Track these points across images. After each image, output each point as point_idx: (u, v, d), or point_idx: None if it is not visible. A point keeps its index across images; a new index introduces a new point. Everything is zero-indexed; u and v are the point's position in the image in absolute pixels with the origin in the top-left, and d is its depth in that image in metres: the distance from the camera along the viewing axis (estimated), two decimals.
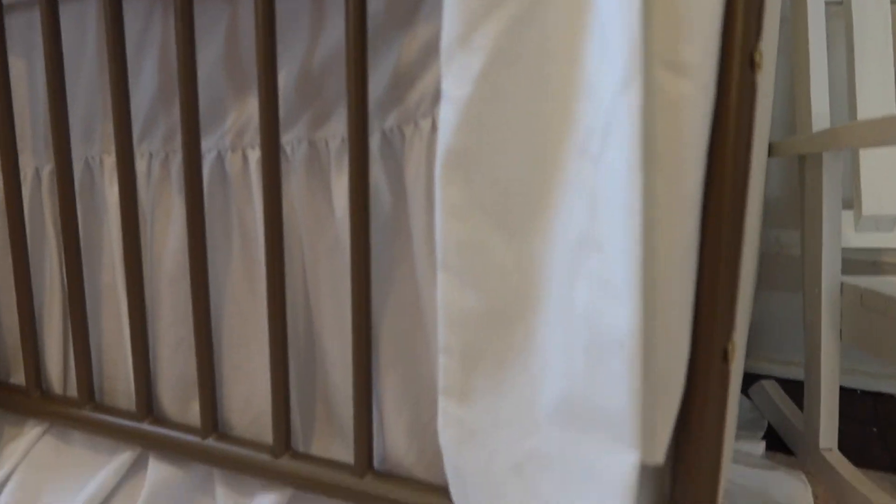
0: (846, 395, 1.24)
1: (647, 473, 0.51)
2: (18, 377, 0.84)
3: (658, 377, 0.46)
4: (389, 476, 0.62)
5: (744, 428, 1.06)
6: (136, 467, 0.74)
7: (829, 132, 0.84)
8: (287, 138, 0.65)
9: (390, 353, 0.63)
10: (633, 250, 0.42)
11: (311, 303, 0.67)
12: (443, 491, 0.59)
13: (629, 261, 0.42)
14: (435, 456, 0.62)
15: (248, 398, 0.70)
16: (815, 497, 0.90)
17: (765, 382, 1.18)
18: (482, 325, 0.51)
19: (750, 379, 1.27)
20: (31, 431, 0.80)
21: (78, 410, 0.76)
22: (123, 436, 0.73)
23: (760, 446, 0.99)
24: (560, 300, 0.47)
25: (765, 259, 1.30)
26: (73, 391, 0.81)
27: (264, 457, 0.66)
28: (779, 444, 1.05)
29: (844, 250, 0.98)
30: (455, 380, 0.53)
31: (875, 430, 1.12)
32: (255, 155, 0.66)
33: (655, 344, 0.45)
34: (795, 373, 1.30)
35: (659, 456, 0.47)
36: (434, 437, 0.62)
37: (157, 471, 0.71)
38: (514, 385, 0.51)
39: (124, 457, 0.73)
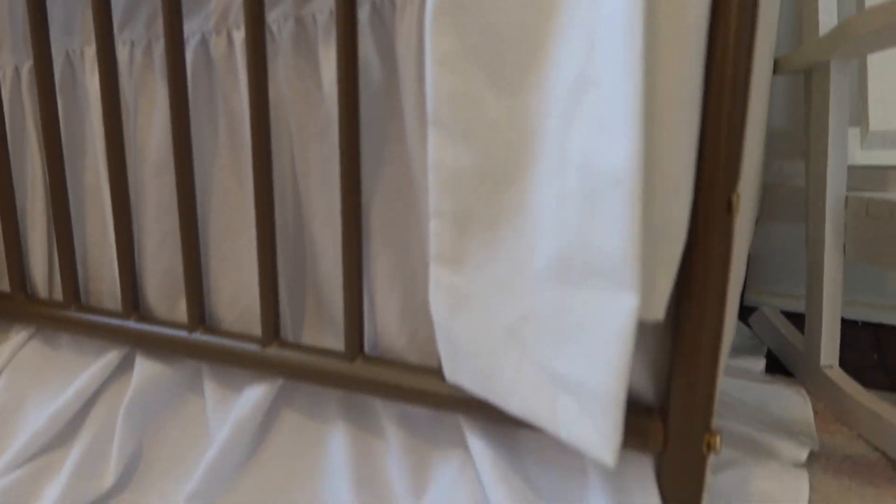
0: (847, 326, 1.22)
1: (647, 335, 0.49)
2: (3, 284, 0.83)
3: (659, 226, 0.44)
4: (380, 360, 0.60)
5: (743, 352, 1.05)
6: (123, 367, 0.72)
7: (838, 29, 0.82)
8: (273, 16, 0.62)
9: (382, 236, 0.61)
10: (632, 83, 0.39)
11: (300, 189, 0.64)
12: (435, 372, 0.57)
13: (627, 94, 0.39)
14: (427, 339, 0.61)
15: (235, 291, 0.68)
16: (815, 413, 0.89)
17: (765, 308, 1.16)
18: (475, 185, 0.49)
19: (750, 312, 1.25)
20: (17, 336, 0.78)
21: (63, 311, 0.74)
22: (109, 334, 0.71)
23: (760, 363, 0.98)
24: (555, 153, 0.45)
25: (767, 190, 1.27)
26: (58, 295, 0.79)
27: (252, 347, 0.64)
28: (779, 369, 1.04)
29: (849, 170, 0.96)
30: (447, 245, 0.51)
31: (876, 356, 1.11)
32: (240, 36, 0.64)
33: (655, 188, 0.43)
34: (796, 305, 1.28)
35: (659, 311, 0.45)
36: (426, 320, 0.60)
37: (144, 368, 0.69)
38: (507, 247, 0.49)
39: (111, 356, 0.72)
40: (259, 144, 0.61)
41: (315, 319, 0.67)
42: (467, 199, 0.49)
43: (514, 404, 0.49)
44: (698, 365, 0.48)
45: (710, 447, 0.49)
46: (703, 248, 0.45)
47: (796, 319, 1.14)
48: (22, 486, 0.64)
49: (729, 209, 0.45)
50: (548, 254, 0.46)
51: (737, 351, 1.05)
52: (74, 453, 0.66)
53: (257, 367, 0.64)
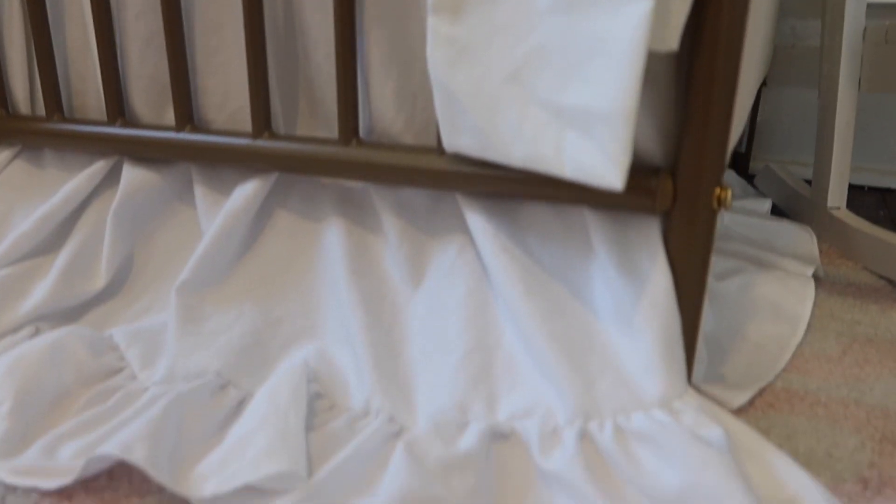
0: (854, 191, 1.20)
1: (656, 94, 0.47)
2: None
3: None
4: (376, 143, 0.58)
5: (747, 198, 1.03)
6: (111, 179, 0.70)
7: None
8: None
9: (377, 16, 0.57)
10: None
11: None
12: (433, 151, 0.55)
13: None
14: (425, 123, 0.58)
15: (224, 91, 0.65)
16: (820, 252, 0.88)
17: (771, 164, 1.13)
18: None
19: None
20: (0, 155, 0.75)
21: (46, 124, 0.71)
22: (95, 144, 0.69)
23: (766, 205, 0.95)
24: None
25: (777, 52, 1.22)
26: (41, 113, 0.76)
27: (242, 141, 0.61)
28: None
29: (867, 10, 0.91)
30: None
31: (882, 213, 1.09)
32: None
33: None
34: (804, 173, 1.26)
35: (672, 41, 0.42)
36: (424, 104, 0.58)
37: (132, 175, 0.67)
38: None
39: (98, 165, 0.69)
40: None
41: (308, 118, 0.64)
42: None
43: (516, 153, 0.46)
44: (710, 112, 0.45)
45: (720, 202, 0.47)
46: None
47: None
48: (9, 285, 0.63)
49: None
50: None
51: (740, 198, 1.03)
52: (63, 255, 0.65)
53: (248, 160, 0.61)
